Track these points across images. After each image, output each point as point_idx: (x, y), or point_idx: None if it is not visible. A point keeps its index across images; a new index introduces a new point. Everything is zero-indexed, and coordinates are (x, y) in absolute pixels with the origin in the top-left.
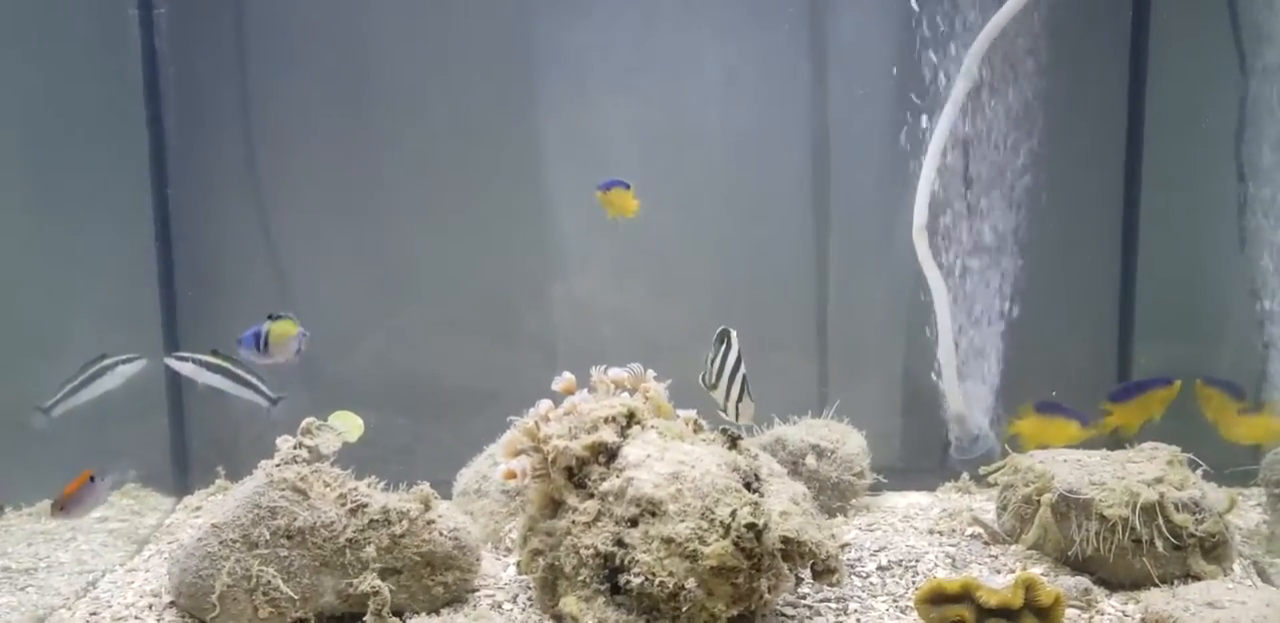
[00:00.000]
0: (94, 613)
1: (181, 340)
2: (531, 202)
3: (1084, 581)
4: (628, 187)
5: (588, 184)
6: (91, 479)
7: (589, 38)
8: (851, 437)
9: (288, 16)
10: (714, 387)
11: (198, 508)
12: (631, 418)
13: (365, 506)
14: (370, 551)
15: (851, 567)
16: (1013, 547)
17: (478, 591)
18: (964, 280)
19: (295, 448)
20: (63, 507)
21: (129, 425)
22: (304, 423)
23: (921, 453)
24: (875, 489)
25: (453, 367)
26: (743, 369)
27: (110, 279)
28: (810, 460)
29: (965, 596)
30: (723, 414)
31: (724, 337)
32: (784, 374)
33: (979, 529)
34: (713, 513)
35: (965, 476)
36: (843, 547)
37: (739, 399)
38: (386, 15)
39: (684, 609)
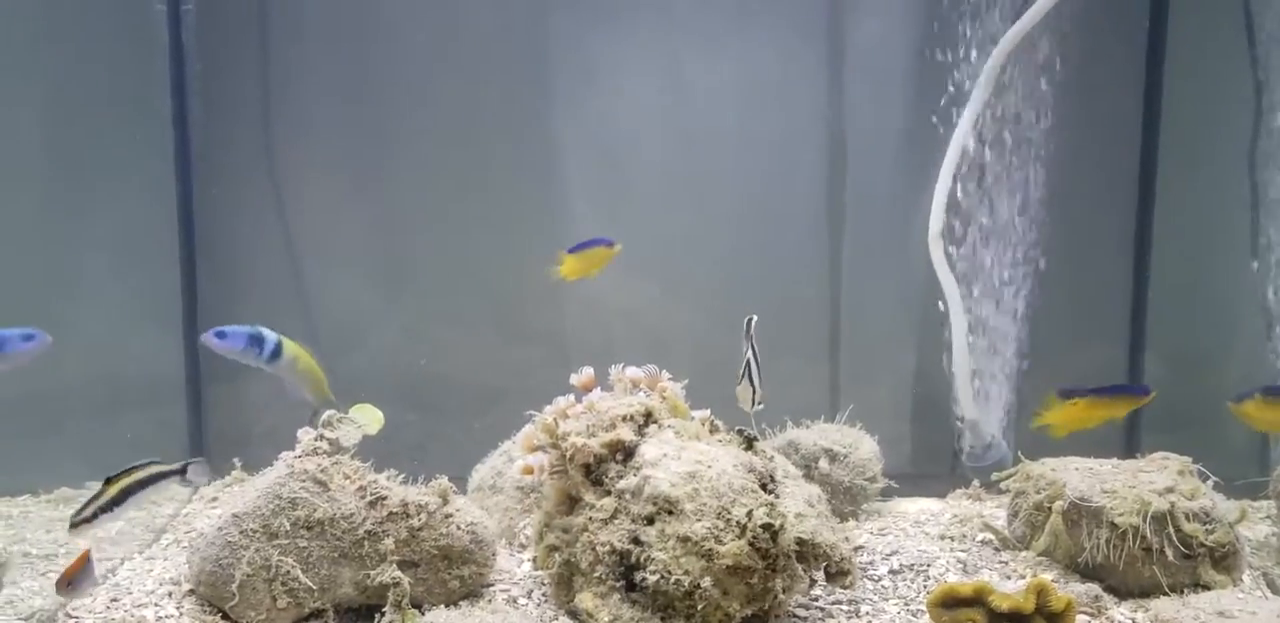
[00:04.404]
0: (115, 599)
1: (201, 330)
2: (545, 200)
3: (1094, 588)
4: (610, 244)
5: (600, 183)
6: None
7: (606, 36)
8: (864, 442)
9: (310, 14)
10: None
11: (214, 499)
12: (649, 417)
13: (384, 498)
14: (389, 543)
15: (863, 570)
16: (1023, 553)
17: (493, 585)
18: (976, 288)
19: (316, 440)
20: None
21: (146, 416)
22: (324, 415)
23: (932, 459)
24: (886, 495)
25: (464, 364)
26: (748, 354)
27: (133, 270)
28: (823, 464)
29: (978, 600)
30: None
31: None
32: (795, 378)
33: (990, 535)
34: (729, 513)
35: (976, 483)
36: (855, 549)
37: (739, 383)
38: (406, 15)
39: (699, 608)
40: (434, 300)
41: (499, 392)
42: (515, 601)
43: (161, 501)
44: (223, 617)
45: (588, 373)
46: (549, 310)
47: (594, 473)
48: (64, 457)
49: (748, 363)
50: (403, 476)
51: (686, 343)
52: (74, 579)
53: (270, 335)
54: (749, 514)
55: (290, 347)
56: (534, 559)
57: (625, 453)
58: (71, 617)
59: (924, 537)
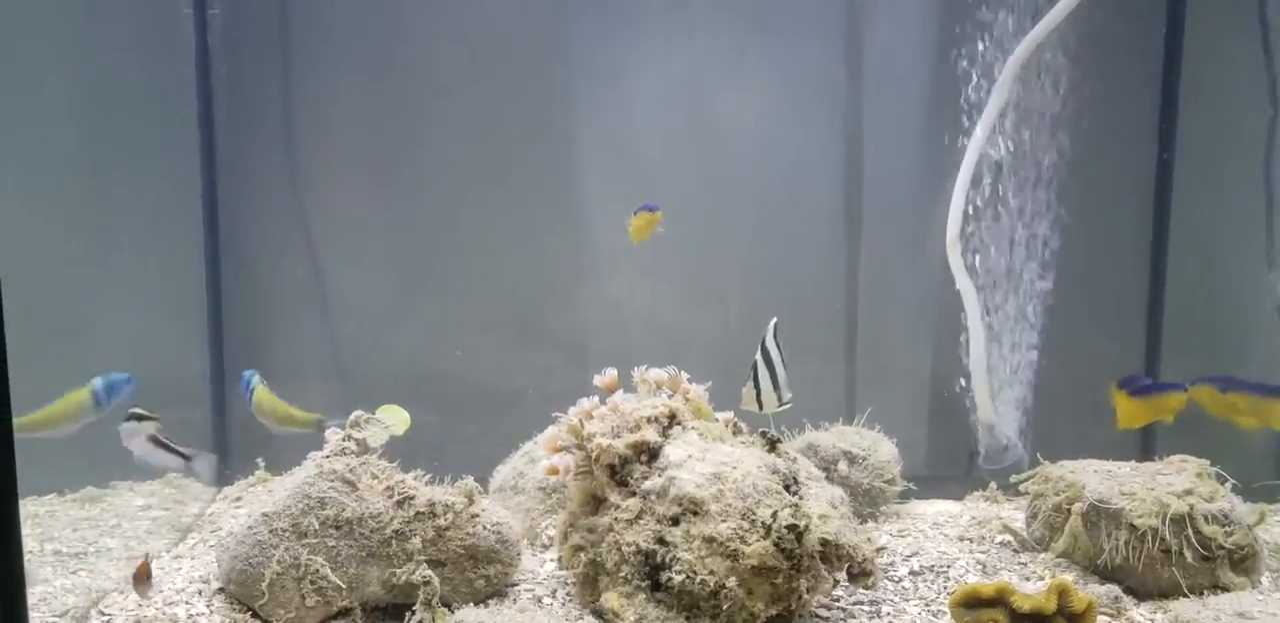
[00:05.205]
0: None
1: (225, 331)
2: (564, 203)
3: (1114, 589)
4: (653, 210)
5: (620, 187)
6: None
7: (627, 42)
8: (883, 444)
9: (334, 19)
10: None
11: (238, 498)
12: (673, 419)
13: (412, 498)
14: (416, 542)
15: (884, 571)
16: (1042, 555)
17: (518, 585)
18: (994, 295)
19: (344, 440)
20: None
21: (170, 415)
22: (352, 416)
23: (948, 462)
24: (904, 497)
25: (484, 365)
26: (757, 357)
27: (158, 270)
28: (842, 467)
29: (1000, 600)
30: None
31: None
32: (812, 381)
33: (1009, 537)
34: (754, 514)
35: (993, 485)
36: (878, 551)
37: (754, 386)
38: (429, 20)
39: (724, 607)
40: (454, 301)
41: (518, 393)
42: (540, 600)
43: (186, 500)
44: (252, 615)
45: (611, 374)
46: (568, 312)
47: (619, 474)
48: (89, 456)
49: (755, 365)
50: (427, 476)
51: (705, 346)
52: (147, 577)
53: (253, 379)
54: (774, 515)
55: (260, 391)
56: (558, 559)
57: (650, 454)
58: (104, 614)
59: (943, 539)
